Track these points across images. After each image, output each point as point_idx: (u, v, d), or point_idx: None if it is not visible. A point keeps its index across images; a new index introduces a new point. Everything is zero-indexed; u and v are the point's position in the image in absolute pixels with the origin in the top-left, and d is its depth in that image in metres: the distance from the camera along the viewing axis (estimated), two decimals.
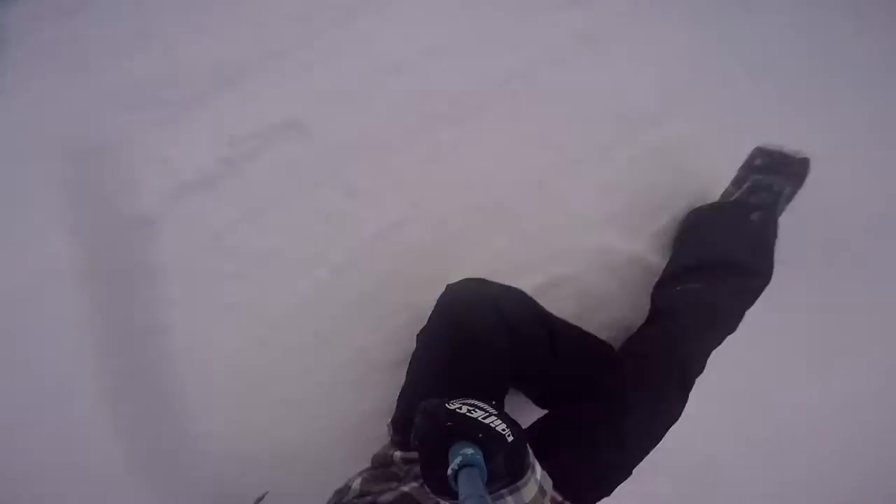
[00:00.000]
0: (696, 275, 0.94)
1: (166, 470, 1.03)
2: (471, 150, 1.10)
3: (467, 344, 0.79)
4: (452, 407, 0.45)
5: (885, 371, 1.11)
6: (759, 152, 1.07)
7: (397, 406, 0.88)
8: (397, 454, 0.73)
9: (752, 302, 0.93)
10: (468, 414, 0.44)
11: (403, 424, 0.83)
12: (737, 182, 1.09)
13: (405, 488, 0.62)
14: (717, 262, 0.94)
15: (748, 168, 1.08)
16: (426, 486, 0.47)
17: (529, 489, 0.47)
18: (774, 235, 1.00)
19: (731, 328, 0.90)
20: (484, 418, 0.44)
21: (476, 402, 0.47)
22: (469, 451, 0.42)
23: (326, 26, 1.15)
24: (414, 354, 0.89)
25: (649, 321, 0.95)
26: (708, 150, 1.12)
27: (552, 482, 0.52)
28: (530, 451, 0.50)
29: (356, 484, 0.69)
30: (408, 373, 0.88)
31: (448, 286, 0.88)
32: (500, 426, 0.45)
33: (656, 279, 1.02)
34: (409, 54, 1.13)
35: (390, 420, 0.87)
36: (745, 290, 0.93)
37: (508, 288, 0.87)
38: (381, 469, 0.74)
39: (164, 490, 1.02)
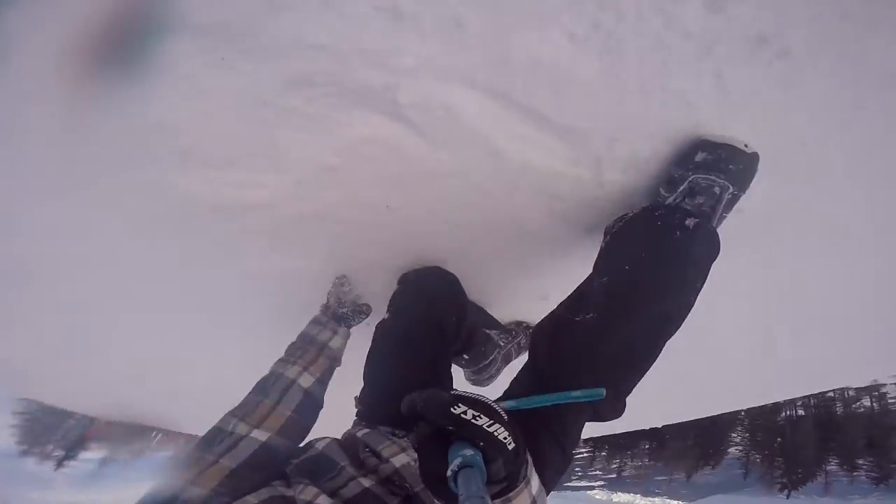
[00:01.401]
0: (601, 305, 0.81)
1: None
2: None
3: (432, 317, 1.03)
4: (457, 411, 0.44)
5: None
6: (703, 144, 0.87)
7: (364, 379, 1.00)
8: (360, 433, 0.76)
9: (673, 330, 0.82)
10: (472, 420, 0.44)
11: (369, 397, 0.95)
12: (671, 183, 0.90)
13: (366, 483, 0.65)
14: (630, 288, 0.81)
15: (686, 165, 0.88)
16: (426, 487, 0.47)
17: (521, 501, 0.48)
18: (712, 252, 0.85)
19: (639, 363, 0.81)
20: (488, 426, 0.44)
21: (486, 403, 0.46)
22: (469, 452, 0.42)
23: None
24: (383, 324, 1.07)
25: (530, 358, 0.89)
26: None
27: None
28: (530, 463, 0.51)
29: (320, 444, 0.74)
30: (374, 340, 1.06)
31: (413, 271, 1.18)
32: (503, 434, 0.44)
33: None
34: None
35: (357, 395, 0.98)
36: (662, 321, 0.81)
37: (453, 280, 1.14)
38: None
39: None
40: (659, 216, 0.86)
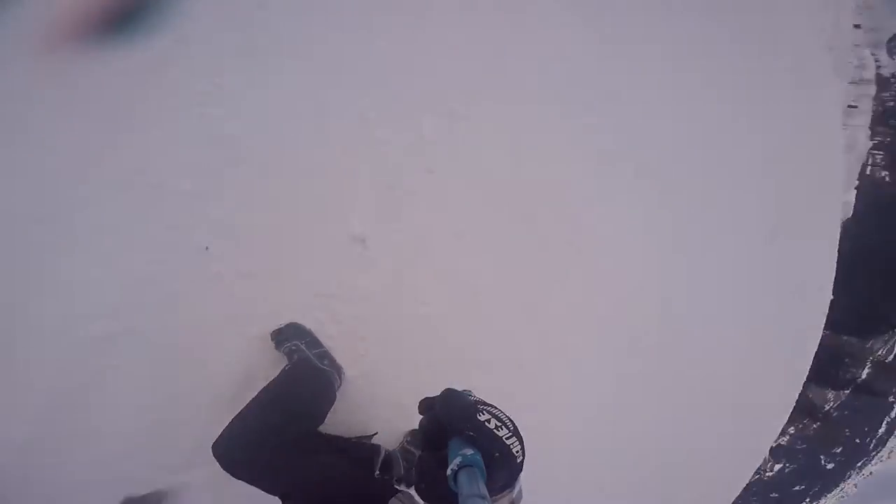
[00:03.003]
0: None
1: None
2: None
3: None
4: (482, 419, 0.45)
5: None
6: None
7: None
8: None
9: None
10: (495, 430, 0.44)
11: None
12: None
13: None
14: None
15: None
16: (417, 489, 0.47)
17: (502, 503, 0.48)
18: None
19: None
20: (507, 438, 0.45)
21: (504, 415, 0.47)
22: (469, 451, 0.43)
23: None
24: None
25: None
26: None
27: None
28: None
29: None
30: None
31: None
32: (516, 447, 0.45)
33: None
34: None
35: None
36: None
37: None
38: None
39: None
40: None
